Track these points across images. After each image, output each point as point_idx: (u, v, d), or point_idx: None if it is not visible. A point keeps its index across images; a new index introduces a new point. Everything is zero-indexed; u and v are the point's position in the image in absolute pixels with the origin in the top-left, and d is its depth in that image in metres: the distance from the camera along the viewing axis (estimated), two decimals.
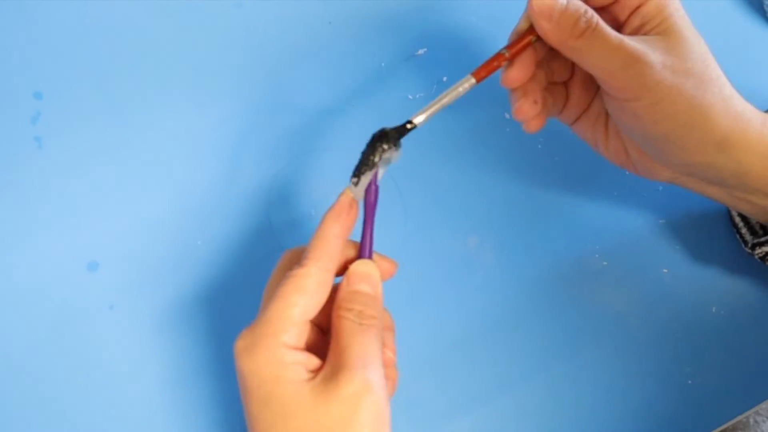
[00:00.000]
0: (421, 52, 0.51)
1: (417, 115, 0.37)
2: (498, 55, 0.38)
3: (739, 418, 0.44)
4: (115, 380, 0.43)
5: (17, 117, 0.48)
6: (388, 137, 0.36)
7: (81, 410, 0.43)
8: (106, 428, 0.43)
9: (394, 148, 0.36)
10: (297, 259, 0.35)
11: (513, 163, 0.49)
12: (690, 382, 0.44)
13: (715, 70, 0.36)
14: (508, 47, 0.38)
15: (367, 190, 0.36)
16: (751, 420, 0.43)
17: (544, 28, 0.36)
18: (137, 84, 0.49)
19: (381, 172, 0.36)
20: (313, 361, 0.34)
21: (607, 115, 0.41)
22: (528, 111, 0.40)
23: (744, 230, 0.45)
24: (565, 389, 0.44)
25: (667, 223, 0.48)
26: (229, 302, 0.45)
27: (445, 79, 0.51)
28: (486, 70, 0.38)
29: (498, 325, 0.45)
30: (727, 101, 0.36)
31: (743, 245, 0.45)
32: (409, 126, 0.36)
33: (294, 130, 0.49)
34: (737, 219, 0.45)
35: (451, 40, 0.52)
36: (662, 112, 0.35)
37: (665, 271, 0.47)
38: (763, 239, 0.42)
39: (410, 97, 0.50)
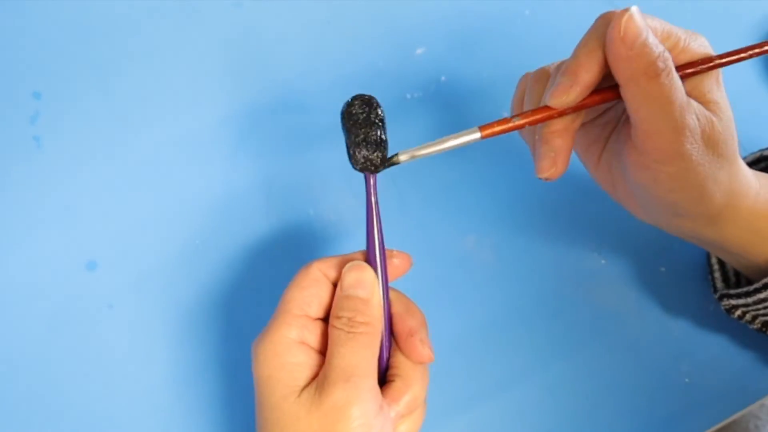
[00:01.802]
0: (420, 51, 0.52)
1: (403, 153, 0.35)
2: (508, 121, 0.35)
3: (735, 418, 0.44)
4: (114, 380, 0.43)
5: (16, 117, 0.48)
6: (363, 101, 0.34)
7: (80, 410, 0.43)
8: (105, 428, 0.43)
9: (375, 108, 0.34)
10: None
11: (512, 163, 0.49)
12: (687, 380, 0.45)
13: (736, 146, 0.35)
14: (522, 115, 0.35)
15: (367, 191, 0.35)
16: (751, 425, 0.44)
17: (621, 54, 0.32)
18: (136, 84, 0.49)
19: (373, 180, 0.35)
20: (309, 359, 0.34)
21: (606, 142, 0.39)
22: (558, 172, 0.36)
23: (717, 274, 0.44)
24: (563, 388, 0.44)
25: None
26: (228, 301, 0.45)
27: (443, 78, 0.51)
28: (495, 130, 0.35)
29: (496, 324, 0.45)
30: (732, 179, 0.35)
31: (712, 291, 0.44)
32: (394, 161, 0.34)
33: (293, 130, 0.49)
34: (714, 262, 0.44)
35: (450, 39, 0.52)
36: (682, 182, 0.34)
37: (663, 269, 0.47)
38: (732, 292, 0.41)
39: (408, 96, 0.50)
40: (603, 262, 0.47)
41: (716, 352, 0.45)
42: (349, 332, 0.33)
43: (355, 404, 0.31)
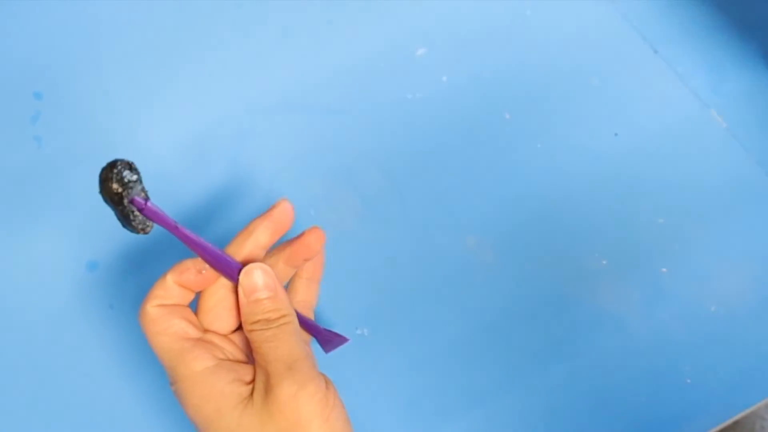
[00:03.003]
0: (421, 52, 0.52)
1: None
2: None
3: (738, 418, 0.44)
4: (114, 380, 0.43)
5: (17, 117, 0.48)
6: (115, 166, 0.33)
7: (80, 409, 0.43)
8: (104, 427, 0.43)
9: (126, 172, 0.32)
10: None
11: (513, 163, 0.49)
12: (688, 381, 0.45)
13: None
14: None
15: (164, 225, 0.33)
16: (757, 426, 0.44)
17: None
18: (137, 84, 0.49)
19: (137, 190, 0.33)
20: (236, 370, 0.33)
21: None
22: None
23: None
24: (564, 389, 0.44)
25: (667, 222, 0.48)
26: None
27: (445, 79, 0.51)
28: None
29: (497, 325, 0.45)
30: None
31: None
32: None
33: (294, 130, 0.49)
34: None
35: (451, 40, 0.52)
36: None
37: (664, 270, 0.47)
38: None
39: (410, 97, 0.50)
40: (604, 262, 0.47)
41: (718, 353, 0.45)
42: (268, 329, 0.33)
43: (309, 382, 0.31)
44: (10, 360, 0.43)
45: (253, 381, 0.33)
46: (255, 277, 0.33)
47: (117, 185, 0.32)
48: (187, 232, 0.33)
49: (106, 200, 0.32)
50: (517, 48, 0.52)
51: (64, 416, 0.43)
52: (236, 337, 0.36)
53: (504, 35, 0.52)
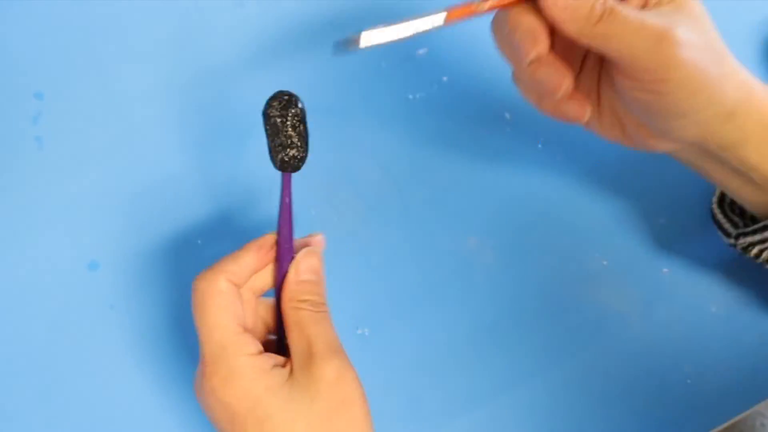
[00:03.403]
0: (421, 52, 0.52)
1: (364, 38, 0.34)
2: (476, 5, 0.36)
3: (740, 417, 0.44)
4: (115, 380, 0.43)
5: (18, 117, 0.48)
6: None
7: (81, 409, 0.43)
8: (105, 428, 0.43)
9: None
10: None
11: (513, 163, 0.49)
12: (689, 381, 0.45)
13: (721, 42, 0.36)
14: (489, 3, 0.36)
15: (283, 189, 0.36)
16: (758, 423, 0.44)
17: (560, 18, 0.34)
18: (139, 84, 0.49)
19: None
20: (274, 358, 0.34)
21: (598, 89, 0.40)
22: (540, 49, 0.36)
23: (723, 219, 0.44)
24: (566, 389, 0.44)
25: (668, 222, 0.48)
26: None
27: (445, 78, 0.51)
28: (460, 13, 0.36)
29: (498, 325, 0.45)
30: (735, 73, 0.36)
31: (725, 238, 0.44)
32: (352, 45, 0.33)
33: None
34: (718, 214, 0.44)
35: (451, 39, 0.52)
36: (687, 89, 0.34)
37: (665, 270, 0.47)
38: (748, 229, 0.42)
39: (411, 97, 0.51)
40: (604, 263, 0.47)
41: (719, 353, 0.45)
42: (317, 312, 0.35)
43: (352, 370, 0.34)
44: (10, 360, 0.43)
45: (285, 365, 0.34)
46: (315, 259, 0.36)
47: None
48: (290, 205, 0.36)
49: (277, 129, 0.35)
50: None
51: (64, 416, 0.43)
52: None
53: None
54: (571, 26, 0.34)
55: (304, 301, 0.35)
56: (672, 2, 0.35)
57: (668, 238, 0.48)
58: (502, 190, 0.48)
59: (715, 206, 0.45)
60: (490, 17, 0.39)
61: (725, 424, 0.44)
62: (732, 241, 0.43)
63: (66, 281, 0.45)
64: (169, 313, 0.44)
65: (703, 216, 0.48)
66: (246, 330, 0.34)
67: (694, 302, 0.46)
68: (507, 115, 0.50)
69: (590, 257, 0.47)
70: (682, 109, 0.35)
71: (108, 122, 0.48)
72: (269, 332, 0.38)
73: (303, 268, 0.36)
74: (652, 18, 0.34)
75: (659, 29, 0.33)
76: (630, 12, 0.34)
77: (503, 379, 0.44)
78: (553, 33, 0.36)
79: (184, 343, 0.44)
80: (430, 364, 0.44)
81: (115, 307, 0.44)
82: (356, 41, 0.33)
